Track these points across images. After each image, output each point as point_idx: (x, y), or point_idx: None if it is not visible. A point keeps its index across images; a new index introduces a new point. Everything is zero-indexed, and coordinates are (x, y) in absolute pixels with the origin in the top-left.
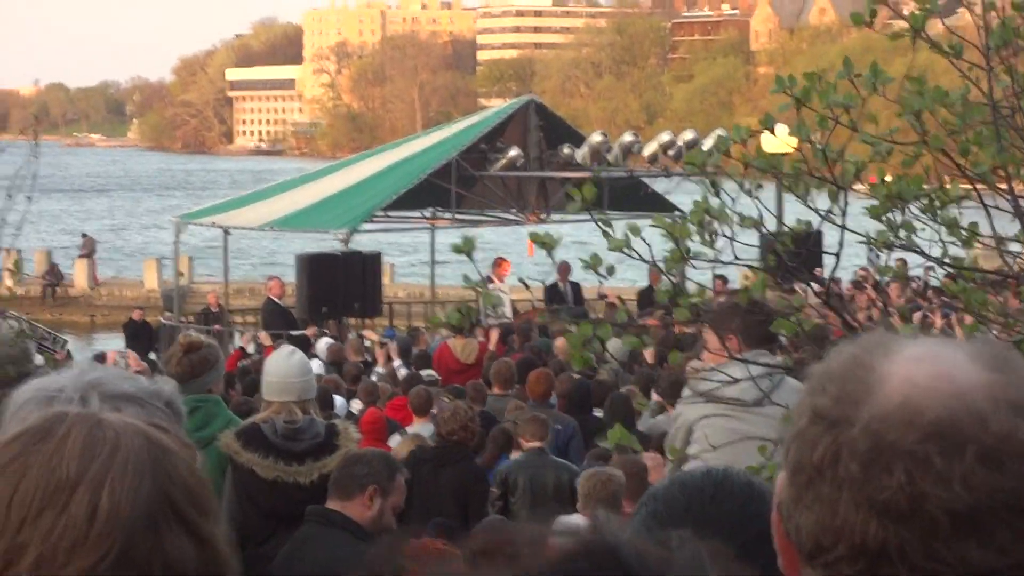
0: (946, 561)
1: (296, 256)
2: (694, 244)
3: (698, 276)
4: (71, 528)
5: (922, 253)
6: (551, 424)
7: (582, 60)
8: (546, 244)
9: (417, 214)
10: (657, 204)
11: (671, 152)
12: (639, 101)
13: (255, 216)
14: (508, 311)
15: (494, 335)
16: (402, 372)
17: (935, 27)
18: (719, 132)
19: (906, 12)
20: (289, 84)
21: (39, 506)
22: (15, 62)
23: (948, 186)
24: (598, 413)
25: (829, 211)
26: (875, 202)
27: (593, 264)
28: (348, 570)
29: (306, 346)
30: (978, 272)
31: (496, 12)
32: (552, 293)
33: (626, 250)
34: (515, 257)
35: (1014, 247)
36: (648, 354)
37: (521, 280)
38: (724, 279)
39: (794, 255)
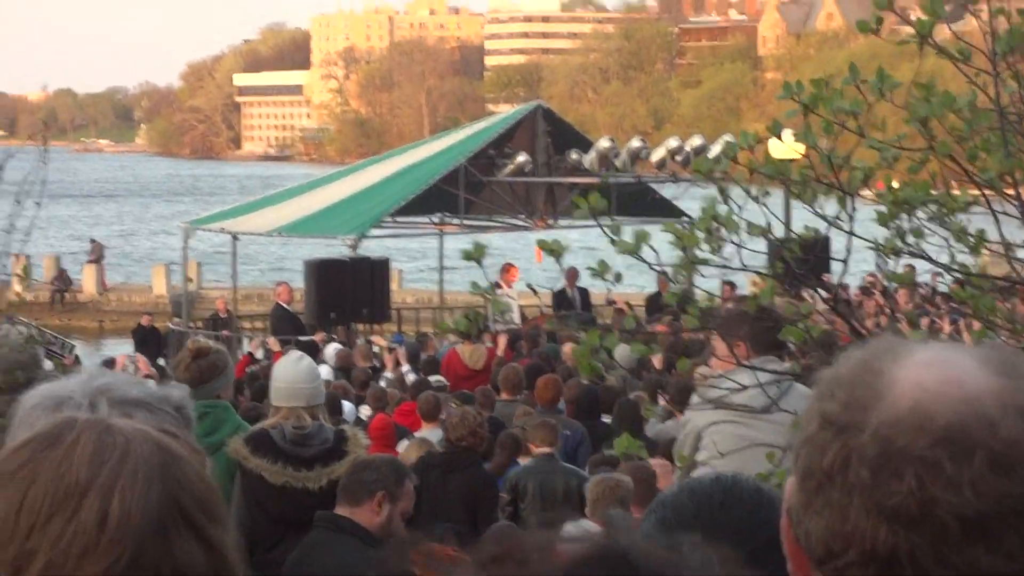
0: (956, 567)
1: (304, 262)
2: (702, 252)
3: (706, 283)
4: (81, 534)
5: (930, 259)
6: (560, 430)
7: (590, 65)
8: (554, 251)
9: (425, 220)
10: (665, 210)
11: (679, 158)
12: (647, 106)
13: (264, 222)
14: (516, 317)
15: (502, 341)
16: (410, 377)
17: (942, 33)
18: (727, 138)
19: (913, 18)
20: (297, 89)
21: (48, 512)
22: (23, 68)
23: (956, 192)
24: (606, 419)
25: (837, 217)
26: (883, 208)
27: (601, 271)
28: None
29: (314, 352)
30: (986, 278)
31: (504, 18)
32: (560, 299)
33: (634, 254)
34: (523, 263)
35: (1022, 253)
36: (656, 360)
37: (529, 286)
38: (732, 285)
39: (802, 261)
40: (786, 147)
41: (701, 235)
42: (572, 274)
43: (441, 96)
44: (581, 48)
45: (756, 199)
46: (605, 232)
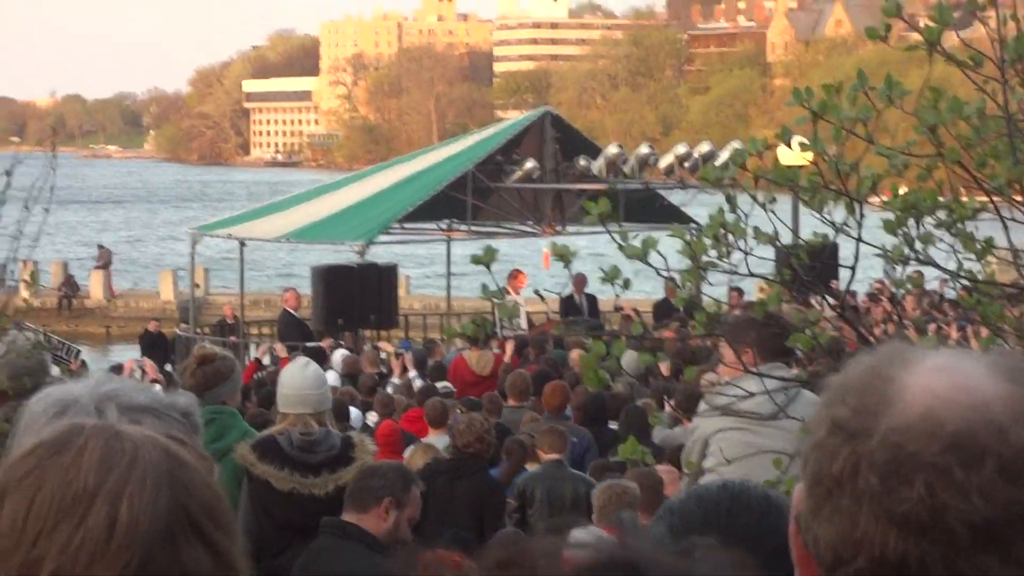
0: (966, 574)
1: (312, 268)
2: (709, 258)
3: (713, 290)
4: (89, 541)
5: (938, 266)
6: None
7: (598, 72)
8: (564, 256)
9: (433, 226)
10: (673, 216)
11: (687, 164)
12: (655, 113)
13: (271, 228)
14: (524, 323)
15: (509, 347)
16: (417, 383)
17: (950, 40)
18: (735, 144)
19: (921, 24)
20: (306, 96)
21: (55, 519)
22: (32, 74)
23: (964, 199)
24: (613, 426)
25: (844, 223)
26: (890, 215)
27: (610, 277)
28: None
29: (322, 358)
30: (994, 285)
31: (512, 24)
32: (568, 305)
33: (643, 259)
34: (531, 269)
35: None
36: (663, 367)
37: (537, 292)
38: (740, 291)
39: (809, 268)
40: (795, 154)
41: (709, 242)
42: (580, 280)
43: (450, 102)
44: (590, 54)
45: (764, 206)
46: (613, 237)
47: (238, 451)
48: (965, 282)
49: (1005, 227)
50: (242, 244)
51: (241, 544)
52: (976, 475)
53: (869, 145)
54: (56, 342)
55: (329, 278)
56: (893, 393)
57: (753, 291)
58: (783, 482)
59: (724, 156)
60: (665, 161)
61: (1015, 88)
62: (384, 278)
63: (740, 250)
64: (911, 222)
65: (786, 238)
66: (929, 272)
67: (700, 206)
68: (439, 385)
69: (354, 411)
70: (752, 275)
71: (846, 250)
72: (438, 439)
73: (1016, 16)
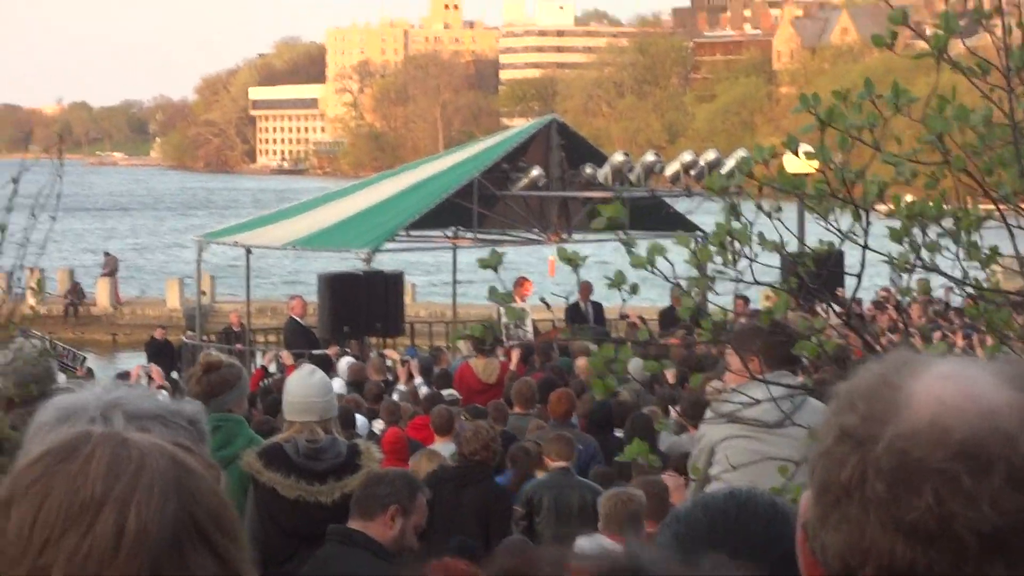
0: None
1: (318, 275)
2: (716, 264)
3: (719, 298)
4: (97, 549)
5: (944, 274)
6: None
7: (604, 80)
8: (572, 260)
9: (439, 233)
10: (679, 224)
11: (693, 172)
12: (661, 121)
13: (277, 235)
14: (530, 331)
15: (515, 355)
16: (423, 391)
17: (955, 47)
18: (741, 152)
19: (928, 32)
20: (312, 103)
21: (63, 526)
22: (38, 81)
23: (970, 207)
24: (619, 433)
25: (850, 231)
26: (895, 223)
27: (617, 282)
28: None
29: (328, 365)
30: (999, 293)
31: (519, 32)
32: (573, 313)
33: (649, 268)
34: (536, 277)
35: None
36: (669, 374)
37: (543, 300)
38: (745, 299)
39: (815, 276)
40: (801, 162)
41: (714, 249)
42: (585, 288)
43: (456, 110)
44: (596, 62)
45: (769, 215)
46: (622, 242)
47: (244, 458)
48: (970, 290)
49: (1011, 235)
50: (248, 251)
51: (248, 552)
52: (985, 483)
53: (875, 153)
54: (62, 349)
55: (335, 286)
56: (901, 401)
57: (758, 299)
58: (789, 489)
59: (730, 164)
60: (671, 169)
61: (1021, 96)
62: (390, 286)
63: (746, 257)
64: (916, 230)
65: (792, 246)
66: (934, 280)
67: (706, 214)
68: (445, 393)
69: (360, 418)
70: (758, 283)
71: (852, 258)
72: (444, 447)
73: (1022, 24)
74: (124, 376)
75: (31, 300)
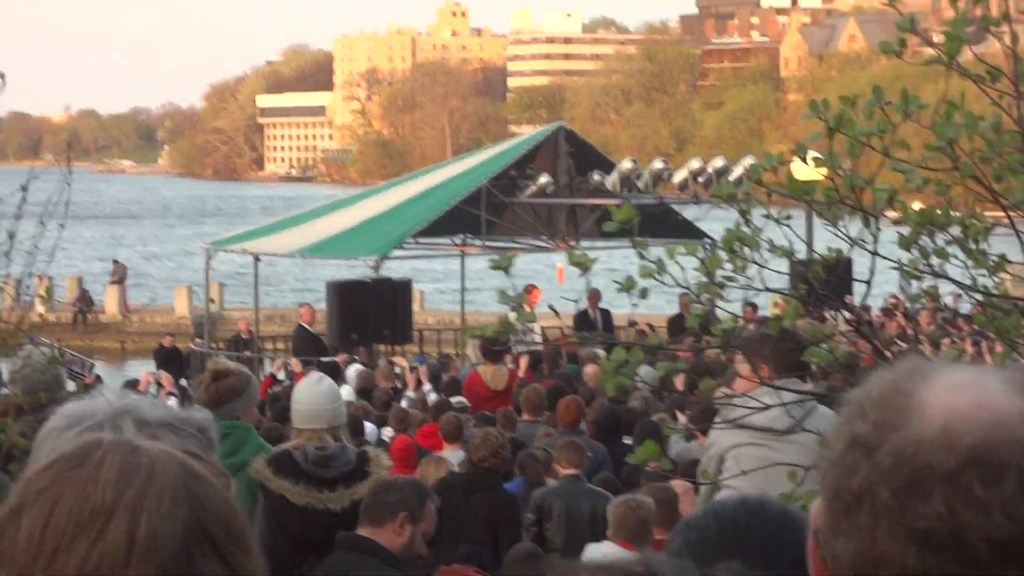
0: None
1: (327, 283)
2: (725, 271)
3: (728, 305)
4: (108, 556)
5: (953, 280)
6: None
7: (612, 87)
8: (582, 264)
9: (447, 241)
10: (687, 231)
11: (701, 179)
12: (669, 128)
13: (286, 243)
14: (538, 338)
15: (524, 362)
16: (431, 398)
17: (963, 54)
18: (749, 159)
19: (936, 39)
20: (319, 111)
21: (73, 534)
22: (47, 89)
23: (980, 213)
24: (628, 440)
25: (860, 238)
26: (904, 230)
27: (627, 286)
28: None
29: (336, 373)
30: (1008, 300)
31: (526, 39)
32: (582, 320)
33: (657, 276)
34: (544, 285)
35: None
36: (678, 381)
37: (551, 307)
38: (754, 306)
39: (825, 282)
40: (809, 169)
41: (724, 256)
42: (594, 295)
43: (463, 117)
44: (603, 69)
45: (778, 221)
46: (636, 249)
47: (253, 466)
48: (979, 296)
49: (1020, 242)
50: (257, 259)
51: (259, 560)
52: (997, 491)
53: (884, 159)
54: (71, 357)
55: (344, 293)
56: (912, 408)
57: (767, 306)
58: (799, 496)
59: (738, 171)
60: (679, 176)
61: None
62: (398, 293)
63: (756, 263)
64: (925, 237)
65: (801, 253)
66: (943, 287)
67: (714, 221)
68: (453, 400)
69: (369, 426)
70: (768, 290)
71: (861, 264)
72: (453, 454)
73: None
74: (133, 383)
75: (40, 308)
